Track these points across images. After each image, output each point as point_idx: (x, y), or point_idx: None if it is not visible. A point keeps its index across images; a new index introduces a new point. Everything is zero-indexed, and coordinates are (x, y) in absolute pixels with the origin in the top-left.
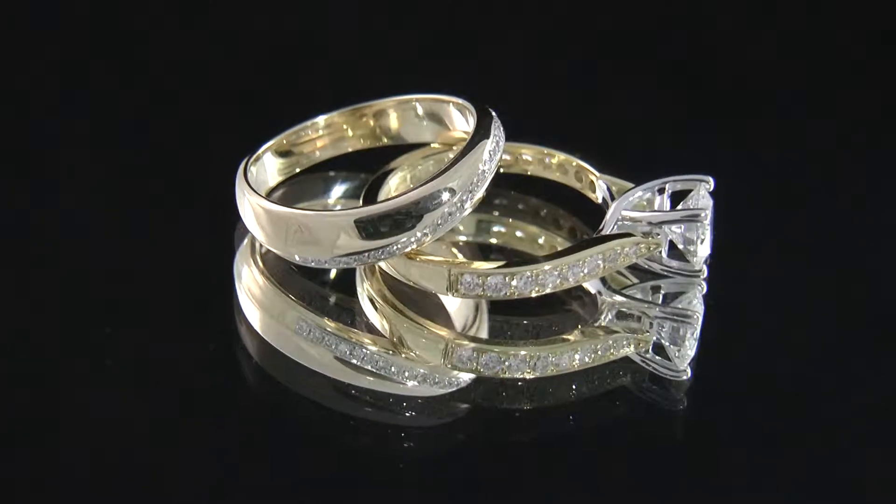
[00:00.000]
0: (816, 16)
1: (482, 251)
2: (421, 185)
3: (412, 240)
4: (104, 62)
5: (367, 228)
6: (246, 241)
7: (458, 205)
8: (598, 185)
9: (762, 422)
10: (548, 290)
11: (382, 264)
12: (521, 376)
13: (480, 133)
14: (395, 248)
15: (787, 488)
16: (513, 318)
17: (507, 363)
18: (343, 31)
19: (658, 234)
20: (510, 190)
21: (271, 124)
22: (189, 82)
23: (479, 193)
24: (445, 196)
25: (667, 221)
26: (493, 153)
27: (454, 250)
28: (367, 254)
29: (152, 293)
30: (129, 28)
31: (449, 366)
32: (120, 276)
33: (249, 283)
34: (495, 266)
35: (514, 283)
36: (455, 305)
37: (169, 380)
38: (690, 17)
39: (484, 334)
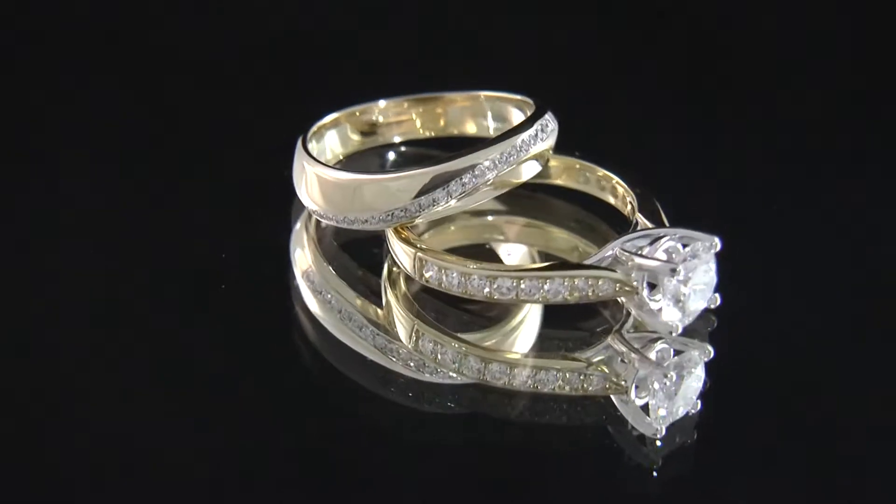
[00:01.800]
0: (817, 16)
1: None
2: (459, 156)
3: (440, 200)
4: (106, 64)
5: (420, 190)
6: (300, 222)
7: (488, 177)
8: (634, 218)
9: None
10: (505, 300)
11: (402, 265)
12: (477, 380)
13: (525, 123)
14: (415, 209)
15: None
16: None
17: (462, 362)
18: (344, 31)
19: (636, 280)
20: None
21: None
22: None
23: (511, 177)
24: (479, 168)
25: (642, 266)
26: (531, 139)
27: (532, 256)
28: (408, 209)
29: (209, 271)
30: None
31: (416, 351)
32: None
33: (303, 263)
34: (456, 260)
35: (471, 283)
36: (495, 311)
37: (223, 358)
38: (690, 16)
39: (522, 345)
